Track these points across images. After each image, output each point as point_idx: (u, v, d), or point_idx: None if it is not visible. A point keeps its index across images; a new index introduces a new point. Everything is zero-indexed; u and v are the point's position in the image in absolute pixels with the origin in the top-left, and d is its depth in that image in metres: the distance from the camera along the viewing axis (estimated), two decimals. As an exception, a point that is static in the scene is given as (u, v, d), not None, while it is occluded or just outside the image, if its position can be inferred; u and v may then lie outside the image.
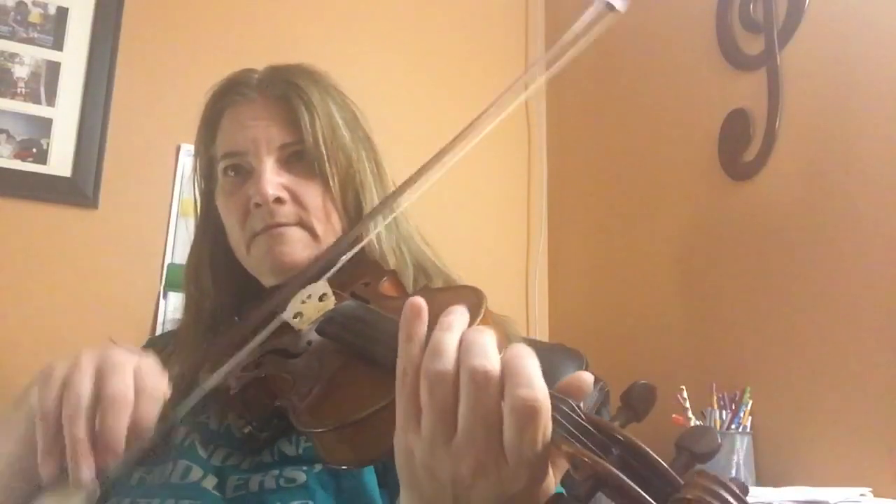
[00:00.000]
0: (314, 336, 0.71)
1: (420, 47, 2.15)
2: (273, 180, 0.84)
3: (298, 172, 0.87)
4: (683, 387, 1.54)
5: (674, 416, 1.51)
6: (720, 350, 1.65)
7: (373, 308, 0.69)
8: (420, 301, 0.49)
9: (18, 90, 1.66)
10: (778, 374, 1.51)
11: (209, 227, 0.95)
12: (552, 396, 0.45)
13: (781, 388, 1.50)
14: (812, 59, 1.55)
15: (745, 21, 1.70)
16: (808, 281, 1.48)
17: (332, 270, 0.68)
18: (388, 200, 0.68)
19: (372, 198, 0.90)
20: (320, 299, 0.71)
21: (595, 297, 2.07)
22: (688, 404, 1.52)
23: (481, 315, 0.59)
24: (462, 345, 0.46)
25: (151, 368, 0.63)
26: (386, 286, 0.80)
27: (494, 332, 0.48)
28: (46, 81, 1.68)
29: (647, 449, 0.43)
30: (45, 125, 1.67)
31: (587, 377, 0.48)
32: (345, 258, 0.68)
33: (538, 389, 0.43)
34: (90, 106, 1.70)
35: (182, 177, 1.77)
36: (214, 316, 0.91)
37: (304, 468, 0.71)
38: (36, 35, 1.69)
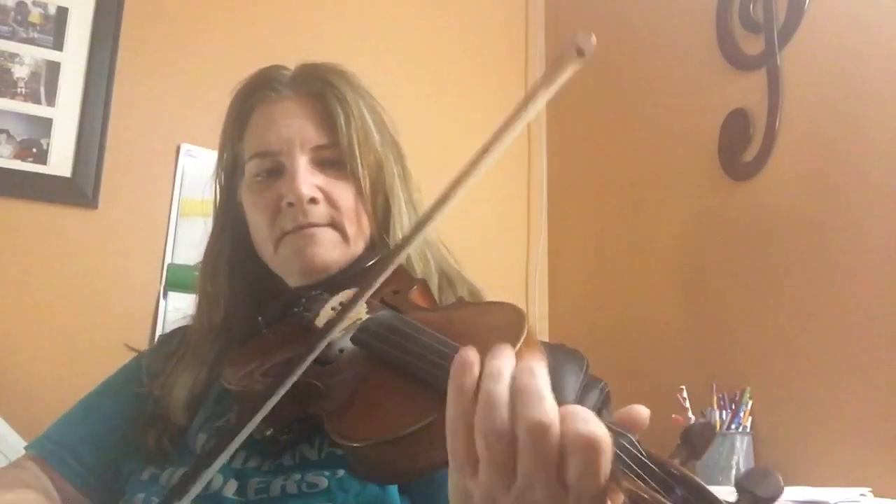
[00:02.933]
0: (347, 344, 0.70)
1: (419, 48, 2.15)
2: (308, 180, 0.84)
3: (331, 173, 0.86)
4: (683, 387, 1.54)
5: (674, 416, 1.51)
6: (720, 350, 1.65)
7: (409, 320, 0.67)
8: (470, 356, 0.47)
9: (18, 90, 1.65)
10: (778, 374, 1.51)
11: (228, 223, 0.93)
12: (611, 429, 0.44)
13: (781, 388, 1.50)
14: (812, 59, 1.55)
15: (745, 21, 1.70)
16: (807, 281, 1.48)
17: (370, 291, 0.66)
18: (424, 221, 0.67)
19: (399, 203, 0.89)
20: None
21: (595, 297, 2.07)
22: (688, 404, 1.52)
23: (523, 337, 0.57)
24: (515, 394, 0.45)
25: None
26: (416, 295, 0.78)
27: (541, 360, 0.47)
28: (46, 81, 1.68)
29: (710, 490, 0.42)
30: (45, 125, 1.67)
31: (644, 411, 0.47)
32: (381, 279, 0.66)
33: (598, 425, 0.42)
34: (90, 106, 1.70)
35: (182, 177, 1.76)
36: (229, 315, 0.90)
37: (327, 473, 0.71)
38: (36, 35, 1.69)
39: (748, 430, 1.47)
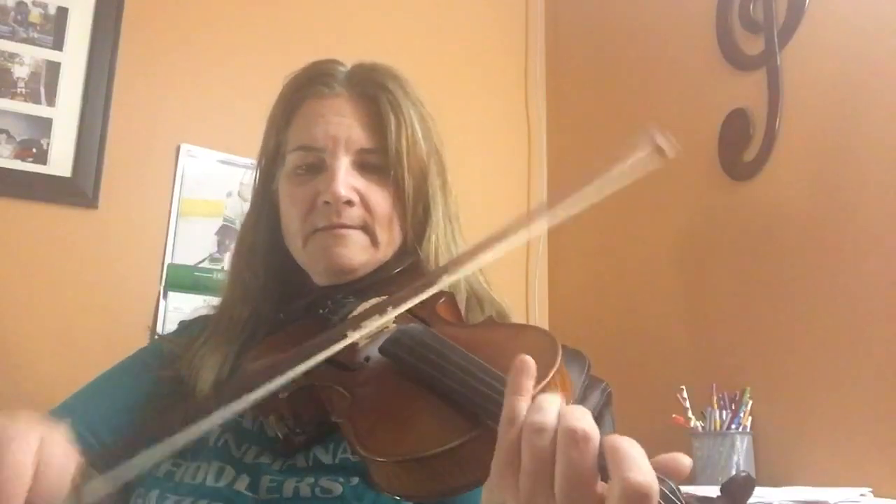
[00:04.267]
0: (374, 353, 0.69)
1: (418, 48, 2.15)
2: (347, 182, 0.83)
3: (371, 178, 0.86)
4: (683, 387, 1.54)
5: (674, 416, 1.51)
6: (720, 350, 1.65)
7: (441, 337, 0.66)
8: (531, 359, 0.50)
9: (18, 90, 1.65)
10: (778, 374, 1.51)
11: (265, 207, 0.93)
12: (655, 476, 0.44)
13: (781, 388, 1.50)
14: (812, 59, 1.55)
15: (745, 21, 1.70)
16: (808, 281, 1.48)
17: (402, 309, 0.66)
18: (478, 250, 0.66)
19: (438, 214, 0.89)
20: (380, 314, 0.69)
21: (595, 297, 2.07)
22: (688, 404, 1.52)
23: (557, 364, 0.58)
24: (561, 410, 0.47)
25: (58, 443, 0.56)
26: (442, 308, 0.78)
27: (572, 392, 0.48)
28: (46, 81, 1.68)
29: None
30: (45, 125, 1.66)
31: (686, 460, 0.47)
32: (416, 300, 0.66)
33: (649, 474, 0.43)
34: (90, 106, 1.70)
35: (182, 177, 1.76)
36: (257, 306, 0.89)
37: (341, 480, 0.71)
38: (36, 35, 1.69)
39: (748, 430, 1.47)
